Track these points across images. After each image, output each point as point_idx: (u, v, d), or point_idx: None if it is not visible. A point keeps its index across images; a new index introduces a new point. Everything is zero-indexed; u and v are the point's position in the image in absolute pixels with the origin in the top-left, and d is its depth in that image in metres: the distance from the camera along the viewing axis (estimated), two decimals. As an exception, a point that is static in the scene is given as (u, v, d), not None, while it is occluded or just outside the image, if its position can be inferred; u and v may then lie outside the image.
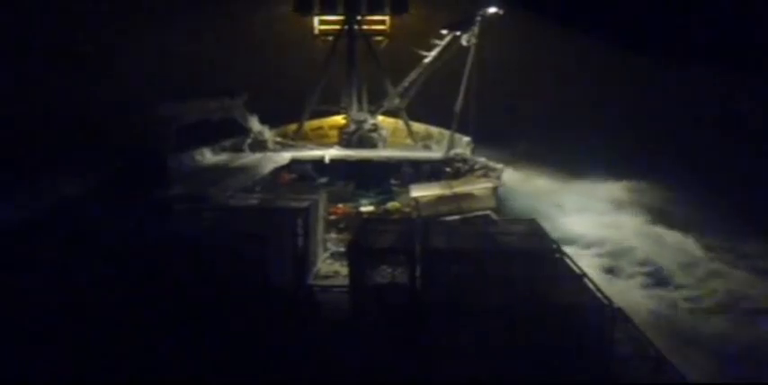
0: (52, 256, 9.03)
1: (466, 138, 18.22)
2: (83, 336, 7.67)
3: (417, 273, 8.56)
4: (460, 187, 15.27)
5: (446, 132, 18.56)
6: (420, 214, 13.84)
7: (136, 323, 7.81)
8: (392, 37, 20.06)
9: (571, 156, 22.62)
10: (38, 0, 25.03)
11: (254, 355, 7.68)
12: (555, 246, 9.45)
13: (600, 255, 17.54)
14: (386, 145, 19.30)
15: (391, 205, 16.29)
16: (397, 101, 19.49)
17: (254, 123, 18.17)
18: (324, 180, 17.27)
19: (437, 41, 18.47)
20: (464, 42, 17.65)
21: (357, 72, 19.55)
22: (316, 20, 19.97)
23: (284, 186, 16.65)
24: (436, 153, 18.05)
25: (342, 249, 12.58)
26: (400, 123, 19.99)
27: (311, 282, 11.55)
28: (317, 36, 20.10)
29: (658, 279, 16.59)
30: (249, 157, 17.17)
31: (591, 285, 7.90)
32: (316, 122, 20.36)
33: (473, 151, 17.83)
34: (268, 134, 18.54)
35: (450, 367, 7.01)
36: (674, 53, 26.54)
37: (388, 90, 19.45)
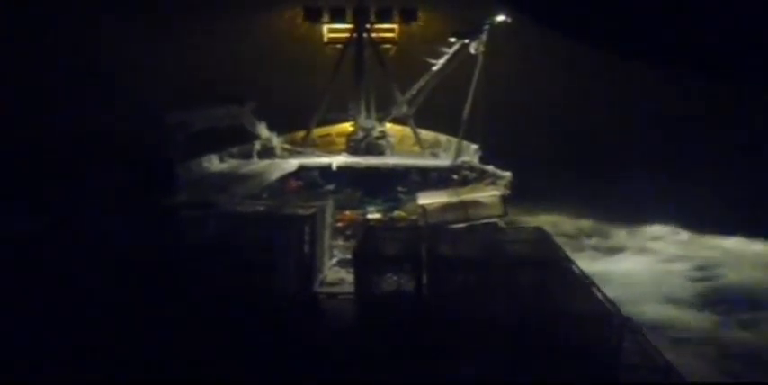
0: (62, 263, 9.07)
1: (474, 146, 18.19)
2: (91, 339, 7.70)
3: (424, 280, 8.52)
4: (468, 195, 15.22)
5: (454, 140, 18.55)
6: (427, 222, 13.80)
7: (141, 327, 7.81)
8: (401, 45, 20.11)
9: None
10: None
11: (259, 360, 7.66)
12: (562, 254, 9.38)
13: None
14: (393, 152, 19.29)
15: (398, 213, 16.26)
16: (405, 108, 19.51)
17: (263, 130, 18.23)
18: (331, 187, 17.27)
19: (445, 49, 18.49)
20: (472, 50, 17.66)
21: (365, 80, 19.60)
22: (325, 28, 20.07)
23: (291, 193, 16.66)
24: (444, 160, 18.03)
25: (348, 256, 12.55)
26: (408, 131, 19.99)
27: (317, 289, 11.53)
28: (326, 44, 20.18)
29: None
30: (257, 164, 17.19)
31: (599, 294, 7.84)
32: (324, 129, 20.40)
33: (480, 159, 17.80)
34: (276, 141, 18.58)
35: (456, 374, 6.96)
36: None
37: (396, 98, 19.47)
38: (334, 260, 13.29)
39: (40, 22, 24.49)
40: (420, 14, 19.85)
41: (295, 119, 20.25)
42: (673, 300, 16.99)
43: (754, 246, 21.40)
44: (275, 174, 16.23)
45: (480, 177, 16.91)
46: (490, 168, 17.01)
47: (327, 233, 13.04)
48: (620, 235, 22.86)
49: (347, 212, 15.80)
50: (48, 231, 10.00)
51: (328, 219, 13.07)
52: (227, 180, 14.86)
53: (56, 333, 7.76)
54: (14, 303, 8.10)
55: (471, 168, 17.18)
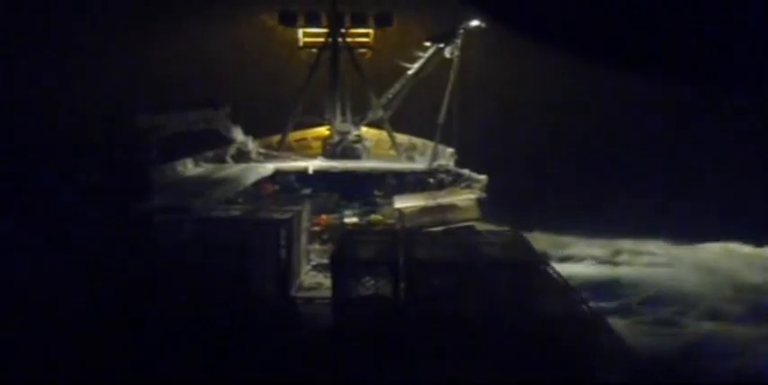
0: (35, 269, 8.91)
1: (449, 150, 18.31)
2: (68, 344, 7.58)
3: (401, 284, 8.54)
4: (444, 198, 15.31)
5: (430, 143, 18.64)
6: (404, 225, 13.83)
7: (116, 333, 7.70)
8: (376, 49, 20.17)
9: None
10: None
11: (235, 366, 7.60)
12: (538, 257, 9.48)
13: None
14: (369, 156, 19.32)
15: (375, 216, 16.27)
16: (380, 112, 19.55)
17: (238, 134, 18.11)
18: (307, 191, 17.21)
19: (420, 54, 18.61)
20: (447, 55, 17.83)
21: (341, 84, 19.60)
22: (300, 32, 20.05)
23: (267, 197, 16.56)
24: (420, 164, 18.11)
25: (325, 261, 12.52)
26: (384, 135, 20.03)
27: (294, 293, 11.48)
28: (301, 48, 20.16)
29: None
30: (232, 168, 17.07)
31: (574, 296, 7.94)
32: (299, 133, 20.35)
33: (456, 162, 17.92)
34: (252, 145, 18.47)
35: (433, 377, 6.98)
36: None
37: (371, 102, 19.51)
38: (311, 264, 13.25)
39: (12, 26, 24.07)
40: (395, 19, 19.93)
41: (270, 123, 20.16)
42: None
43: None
44: (251, 179, 16.13)
45: (456, 181, 17.03)
46: (466, 172, 17.15)
47: (304, 237, 13.00)
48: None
49: (323, 216, 15.76)
50: (19, 233, 9.82)
51: (305, 223, 13.04)
52: (203, 184, 14.71)
53: (25, 337, 7.62)
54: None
55: (447, 172, 17.30)
